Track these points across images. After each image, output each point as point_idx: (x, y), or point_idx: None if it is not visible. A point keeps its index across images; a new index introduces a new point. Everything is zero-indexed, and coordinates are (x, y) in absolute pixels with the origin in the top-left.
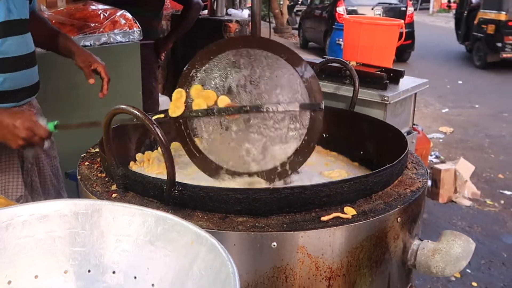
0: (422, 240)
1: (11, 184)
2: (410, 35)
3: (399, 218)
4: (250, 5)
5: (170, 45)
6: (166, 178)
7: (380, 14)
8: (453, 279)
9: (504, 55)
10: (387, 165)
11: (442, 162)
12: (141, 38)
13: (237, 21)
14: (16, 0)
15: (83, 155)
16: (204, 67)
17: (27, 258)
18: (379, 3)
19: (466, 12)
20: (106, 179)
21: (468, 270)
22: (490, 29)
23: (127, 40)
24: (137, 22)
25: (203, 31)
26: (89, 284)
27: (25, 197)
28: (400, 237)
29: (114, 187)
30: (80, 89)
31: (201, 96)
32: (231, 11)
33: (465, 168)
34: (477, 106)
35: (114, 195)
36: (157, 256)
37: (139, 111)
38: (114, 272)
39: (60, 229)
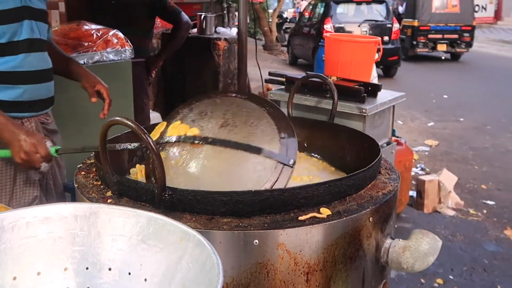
0: (393, 239)
1: (28, 185)
2: (396, 51)
3: (371, 218)
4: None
5: (160, 63)
6: (157, 184)
7: (366, 31)
8: (436, 285)
9: (419, 50)
10: (360, 170)
11: (428, 174)
12: (133, 56)
13: (225, 39)
14: (39, 23)
15: (79, 165)
16: (190, 107)
17: (30, 256)
18: (365, 20)
19: None
20: (102, 186)
21: (450, 277)
22: (409, 32)
23: (119, 58)
24: (128, 41)
25: (193, 49)
26: (87, 281)
27: (40, 198)
28: (372, 235)
29: (109, 193)
30: (80, 105)
31: (175, 129)
32: (220, 29)
33: (448, 179)
34: (461, 119)
35: (109, 200)
36: (149, 253)
37: (132, 122)
38: (110, 269)
39: (60, 230)
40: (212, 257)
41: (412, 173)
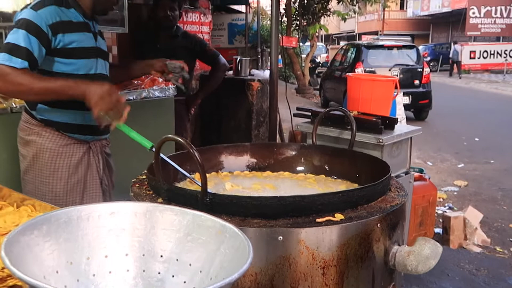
0: (400, 245)
1: (93, 203)
2: (427, 95)
3: (379, 224)
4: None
5: (199, 101)
6: (200, 190)
7: (397, 75)
8: None
9: None
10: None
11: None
12: (176, 94)
13: (259, 80)
14: (105, 62)
15: (133, 180)
16: None
17: (100, 242)
18: (396, 65)
19: None
20: (153, 195)
21: None
22: None
23: (164, 95)
24: None
25: (228, 89)
26: (143, 264)
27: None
28: (381, 240)
29: (160, 200)
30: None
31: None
32: (254, 71)
33: (473, 215)
34: (492, 161)
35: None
36: (194, 244)
37: (182, 139)
38: (161, 256)
39: (124, 223)
40: (244, 242)
41: (440, 212)
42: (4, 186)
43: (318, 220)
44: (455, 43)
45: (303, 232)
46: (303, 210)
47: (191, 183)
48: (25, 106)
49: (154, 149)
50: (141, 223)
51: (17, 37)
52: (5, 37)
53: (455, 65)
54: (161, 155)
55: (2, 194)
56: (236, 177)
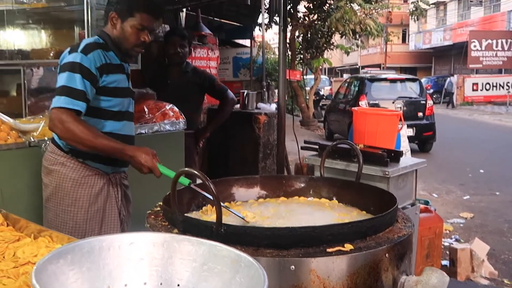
0: (408, 275)
1: (111, 231)
2: (431, 127)
3: (387, 254)
4: (277, 100)
5: (208, 135)
6: (215, 221)
7: (400, 108)
8: None
9: None
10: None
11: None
12: (185, 127)
13: (265, 114)
14: (132, 100)
15: (148, 211)
16: None
17: (120, 271)
18: (399, 97)
19: None
20: (169, 226)
21: None
22: None
23: (174, 129)
24: (182, 114)
25: (236, 122)
26: None
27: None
28: (389, 270)
29: (175, 231)
30: None
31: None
32: (260, 105)
33: (480, 247)
34: (497, 193)
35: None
36: (209, 273)
37: (199, 172)
38: (178, 285)
39: (142, 252)
40: (259, 271)
41: (447, 244)
42: (21, 217)
43: (328, 250)
44: (450, 75)
45: (314, 262)
46: (314, 240)
47: (204, 213)
48: (53, 137)
49: (191, 185)
50: (159, 252)
51: (73, 80)
52: (24, 74)
53: (453, 95)
54: (193, 186)
55: (19, 226)
56: (251, 205)
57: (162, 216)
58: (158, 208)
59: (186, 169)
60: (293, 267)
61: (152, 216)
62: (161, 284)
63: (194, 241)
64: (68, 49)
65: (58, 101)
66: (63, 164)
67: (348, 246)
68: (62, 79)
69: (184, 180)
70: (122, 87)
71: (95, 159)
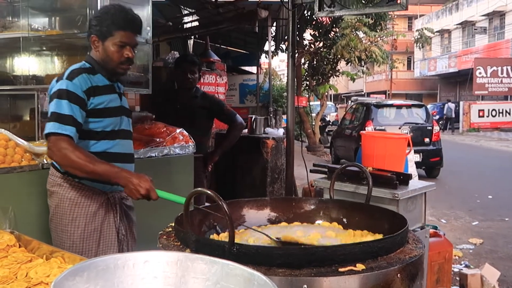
0: None
1: (108, 251)
2: (438, 153)
3: (398, 274)
4: (284, 125)
5: (216, 158)
6: (228, 241)
7: (407, 133)
8: None
9: None
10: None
11: None
12: (195, 151)
13: (273, 138)
14: (128, 119)
15: (160, 232)
16: None
17: None
18: (406, 123)
19: None
20: (181, 246)
21: None
22: None
23: (184, 152)
24: (191, 138)
25: (244, 147)
26: None
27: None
28: None
29: (188, 250)
30: None
31: None
32: (268, 130)
33: (490, 273)
34: (507, 219)
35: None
36: None
37: (212, 192)
38: None
39: (156, 271)
40: None
41: (456, 270)
42: (33, 238)
43: (340, 269)
44: (448, 101)
45: (327, 281)
46: (326, 260)
47: (216, 235)
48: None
49: (201, 207)
50: (173, 271)
51: (60, 106)
52: (38, 98)
53: (453, 120)
54: (201, 207)
55: (31, 247)
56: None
57: (174, 237)
58: (170, 229)
59: (200, 189)
60: (305, 286)
61: (164, 237)
62: None
63: (207, 260)
64: (56, 78)
65: (47, 127)
66: (60, 185)
67: (359, 266)
68: (51, 107)
69: (180, 199)
70: (113, 107)
71: (91, 179)
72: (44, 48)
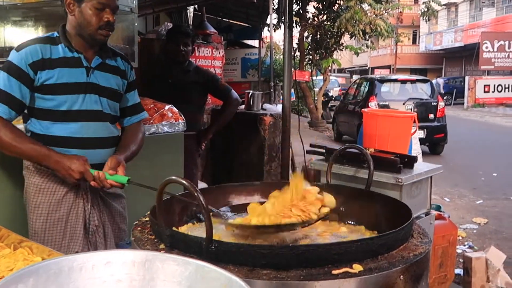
0: None
1: (73, 242)
2: (442, 129)
3: (401, 276)
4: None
5: (210, 136)
6: (204, 237)
7: (411, 109)
8: None
9: None
10: (392, 231)
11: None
12: (185, 129)
13: (271, 115)
14: (102, 99)
15: (135, 222)
16: None
17: None
18: (410, 98)
19: None
20: (155, 240)
21: None
22: None
23: (173, 130)
24: (182, 114)
25: (240, 124)
26: None
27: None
28: None
29: (162, 246)
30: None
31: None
32: (266, 106)
33: (496, 256)
34: None
35: (162, 252)
36: None
37: (186, 181)
38: None
39: (120, 273)
40: None
41: (460, 251)
42: (4, 226)
43: (334, 272)
44: (438, 77)
45: (318, 286)
46: (317, 260)
47: (201, 225)
48: None
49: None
50: (139, 273)
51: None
52: None
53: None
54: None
55: (0, 235)
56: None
57: (149, 228)
58: (147, 219)
59: (174, 177)
60: None
61: (139, 228)
62: None
63: (180, 260)
64: None
65: None
66: (27, 168)
67: (356, 267)
68: None
69: (122, 178)
70: (68, 83)
71: None
72: (21, 18)
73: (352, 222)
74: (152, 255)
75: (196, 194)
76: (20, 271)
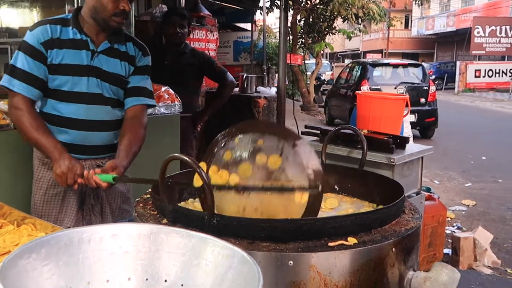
0: (415, 271)
1: (67, 218)
2: (433, 113)
3: (393, 248)
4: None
5: (206, 118)
6: (207, 211)
7: (403, 93)
8: None
9: None
10: (385, 206)
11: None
12: (181, 110)
13: (265, 97)
14: (104, 83)
15: (137, 199)
16: (222, 149)
17: (101, 266)
18: (402, 83)
19: None
20: (158, 215)
21: None
22: None
23: (169, 112)
24: (178, 96)
25: (234, 106)
26: None
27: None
28: (395, 265)
29: (164, 221)
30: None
31: (216, 175)
32: (260, 88)
33: (483, 236)
34: (500, 180)
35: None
36: (199, 268)
37: (188, 157)
38: (165, 281)
39: (127, 245)
40: (253, 268)
41: (449, 232)
42: (5, 204)
43: (330, 244)
44: (422, 61)
45: (315, 257)
46: (314, 233)
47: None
48: None
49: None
50: (145, 245)
51: (16, 58)
52: (11, 52)
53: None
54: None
55: (2, 212)
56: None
57: (151, 205)
58: (148, 196)
59: (176, 155)
60: (291, 262)
61: (141, 204)
62: (146, 279)
63: (184, 233)
64: None
65: (2, 79)
66: None
67: (351, 240)
68: (12, 58)
69: (107, 177)
70: (73, 64)
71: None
72: None
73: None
74: (157, 228)
75: (198, 170)
76: (33, 241)
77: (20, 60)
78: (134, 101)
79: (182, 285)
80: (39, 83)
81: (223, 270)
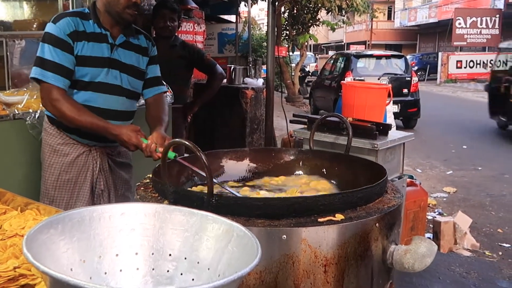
0: (397, 245)
1: (80, 203)
2: (416, 103)
3: (377, 224)
4: (264, 76)
5: (196, 109)
6: (206, 192)
7: (386, 84)
8: None
9: None
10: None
11: None
12: (173, 101)
13: (252, 88)
14: (123, 75)
15: (138, 184)
16: None
17: (111, 241)
18: (385, 74)
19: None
20: (159, 197)
21: None
22: None
23: None
24: (169, 88)
25: (222, 97)
26: (152, 263)
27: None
28: (379, 239)
29: (166, 202)
30: None
31: None
32: (247, 80)
33: (463, 221)
34: (480, 168)
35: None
36: (201, 242)
37: (190, 142)
38: (170, 255)
39: (134, 223)
40: (251, 240)
41: (430, 217)
42: (7, 190)
43: (319, 220)
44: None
45: (306, 231)
46: (305, 210)
47: (194, 187)
48: None
49: (178, 158)
50: (150, 223)
51: (43, 51)
52: (6, 46)
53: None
54: (179, 159)
55: (5, 199)
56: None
57: (151, 188)
58: (148, 180)
59: (177, 139)
60: (284, 236)
61: (142, 188)
62: (152, 254)
63: (186, 211)
64: None
65: (32, 71)
66: (46, 130)
67: (339, 216)
68: (38, 50)
69: (170, 154)
70: (94, 56)
71: (70, 130)
72: None
73: (334, 182)
74: (161, 207)
75: (199, 153)
76: (50, 218)
77: (48, 52)
78: (155, 90)
79: (185, 258)
80: (69, 73)
81: (223, 243)
